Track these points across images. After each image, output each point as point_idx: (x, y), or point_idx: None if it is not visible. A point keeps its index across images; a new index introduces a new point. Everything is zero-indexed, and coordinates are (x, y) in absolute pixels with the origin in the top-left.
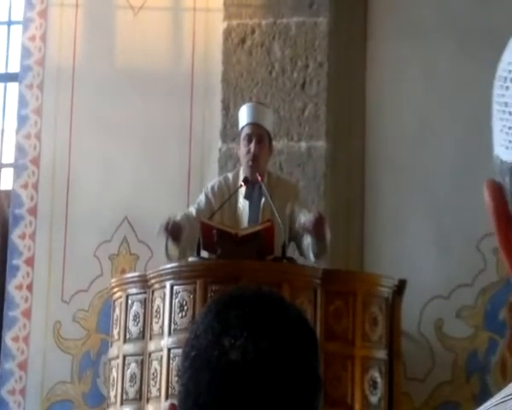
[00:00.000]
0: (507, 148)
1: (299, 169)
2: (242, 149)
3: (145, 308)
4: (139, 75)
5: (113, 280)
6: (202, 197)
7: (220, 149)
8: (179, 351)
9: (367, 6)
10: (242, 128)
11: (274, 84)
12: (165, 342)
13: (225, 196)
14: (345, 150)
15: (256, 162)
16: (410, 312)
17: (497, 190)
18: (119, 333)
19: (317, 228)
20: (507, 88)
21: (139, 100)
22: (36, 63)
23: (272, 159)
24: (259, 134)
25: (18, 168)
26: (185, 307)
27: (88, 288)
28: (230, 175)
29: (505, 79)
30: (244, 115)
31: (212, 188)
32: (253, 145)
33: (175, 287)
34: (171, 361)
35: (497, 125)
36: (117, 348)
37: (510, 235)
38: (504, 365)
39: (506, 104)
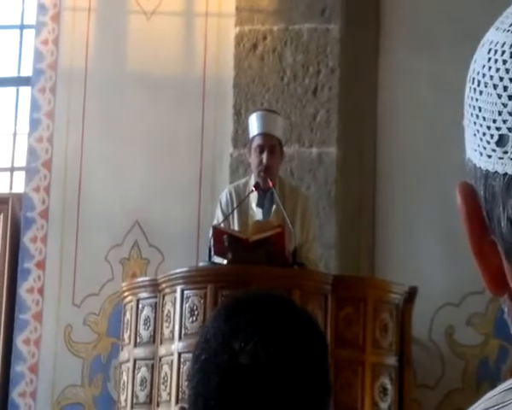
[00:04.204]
0: (481, 154)
1: (310, 175)
2: (254, 159)
3: (156, 313)
4: (151, 80)
5: (124, 284)
6: (220, 214)
7: (231, 155)
8: (189, 355)
9: (379, 12)
10: (253, 138)
11: (286, 89)
12: (176, 346)
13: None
14: (356, 156)
15: (268, 173)
16: (421, 319)
17: (471, 195)
18: (129, 337)
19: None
20: (480, 92)
21: (151, 104)
22: (48, 67)
23: (283, 165)
24: (271, 145)
25: (30, 172)
26: (196, 312)
27: (99, 292)
28: (241, 184)
29: (479, 82)
30: (255, 124)
31: (227, 202)
32: (265, 156)
33: (185, 292)
34: (181, 366)
35: (470, 128)
36: (127, 352)
37: (483, 243)
38: None
39: (480, 109)
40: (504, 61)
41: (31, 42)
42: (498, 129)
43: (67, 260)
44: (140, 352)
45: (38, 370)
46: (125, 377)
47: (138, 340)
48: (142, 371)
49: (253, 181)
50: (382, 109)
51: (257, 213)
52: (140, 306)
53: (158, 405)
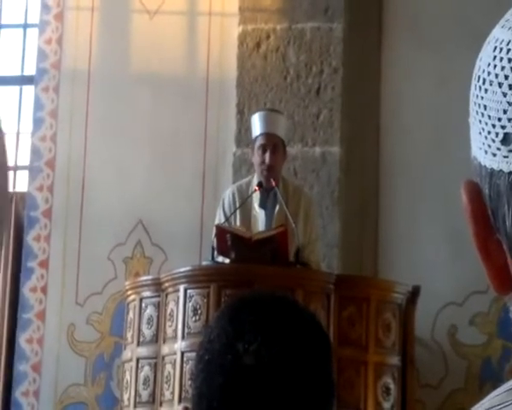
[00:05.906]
0: (486, 152)
1: (313, 174)
2: (257, 159)
3: (159, 312)
4: (154, 79)
5: (127, 283)
6: (221, 214)
7: (234, 154)
8: (193, 355)
9: (382, 11)
10: (256, 138)
11: (289, 89)
12: (179, 345)
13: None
14: (359, 156)
15: (271, 172)
16: (424, 318)
17: (476, 193)
18: (132, 336)
19: None
20: (486, 90)
21: (154, 104)
22: (52, 66)
23: (287, 164)
24: (274, 144)
25: (33, 171)
26: (199, 311)
27: (102, 291)
28: (244, 183)
29: (484, 80)
30: (257, 124)
31: (229, 203)
32: (267, 156)
33: (189, 291)
34: (184, 365)
35: (475, 126)
36: (130, 351)
37: (488, 241)
38: None
39: (485, 107)
40: (509, 60)
41: (34, 41)
42: (503, 127)
43: (70, 260)
44: (143, 351)
45: (41, 369)
46: (128, 376)
47: (141, 339)
48: (145, 371)
49: (255, 180)
50: (385, 109)
51: (259, 214)
52: (143, 305)
53: (161, 404)
